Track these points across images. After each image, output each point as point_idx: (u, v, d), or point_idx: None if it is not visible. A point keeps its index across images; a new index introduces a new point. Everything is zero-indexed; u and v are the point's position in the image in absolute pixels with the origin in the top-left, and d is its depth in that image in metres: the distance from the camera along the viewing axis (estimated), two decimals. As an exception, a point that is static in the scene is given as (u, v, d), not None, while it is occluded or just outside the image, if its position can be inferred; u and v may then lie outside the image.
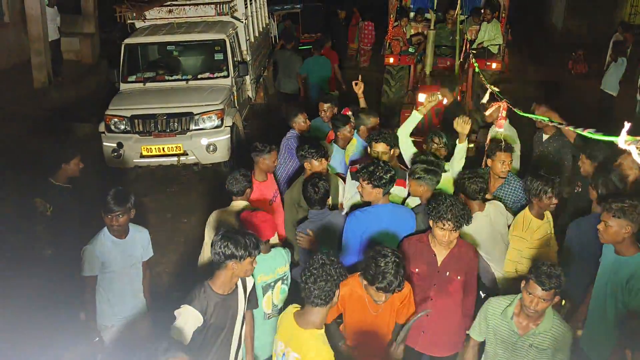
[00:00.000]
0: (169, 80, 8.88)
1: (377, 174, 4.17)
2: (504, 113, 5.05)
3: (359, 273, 3.58)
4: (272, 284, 4.12)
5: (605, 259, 3.94)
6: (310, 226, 4.47)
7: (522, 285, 3.41)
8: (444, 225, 3.77)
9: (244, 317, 3.70)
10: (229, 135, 8.17)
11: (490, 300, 3.68)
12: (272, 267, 4.10)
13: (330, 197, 4.74)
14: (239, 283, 3.62)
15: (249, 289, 3.73)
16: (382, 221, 4.26)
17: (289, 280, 4.25)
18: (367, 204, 4.38)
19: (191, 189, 8.49)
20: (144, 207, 7.56)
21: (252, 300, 3.82)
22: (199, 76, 8.93)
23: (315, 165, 4.93)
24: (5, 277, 5.86)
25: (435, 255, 3.95)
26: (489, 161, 5.08)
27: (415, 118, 5.15)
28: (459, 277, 3.95)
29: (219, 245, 3.37)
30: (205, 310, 3.40)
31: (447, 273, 3.93)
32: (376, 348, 3.80)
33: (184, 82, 8.82)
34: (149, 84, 8.82)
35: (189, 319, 3.38)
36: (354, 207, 4.72)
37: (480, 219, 4.48)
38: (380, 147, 4.92)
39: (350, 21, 15.58)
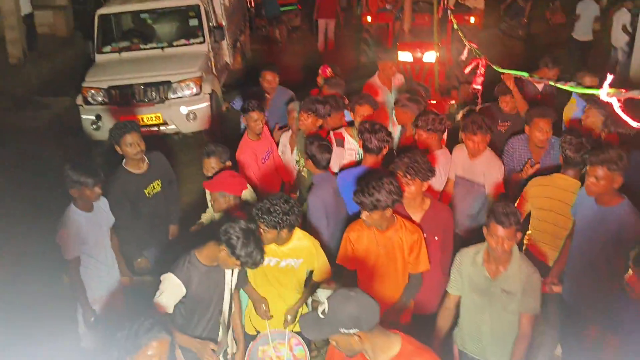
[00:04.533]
0: (144, 49, 8.79)
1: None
2: (482, 70, 5.04)
3: None
4: None
5: (583, 211, 3.94)
6: (324, 191, 4.47)
7: (485, 232, 3.47)
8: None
9: (231, 295, 3.68)
10: (209, 103, 8.11)
11: (459, 252, 3.74)
12: None
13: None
14: None
15: None
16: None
17: None
18: None
19: (173, 159, 8.43)
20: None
21: (241, 279, 3.77)
22: (175, 43, 8.83)
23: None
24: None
25: (410, 218, 3.99)
26: (526, 128, 4.95)
27: None
28: (436, 238, 4.01)
29: (233, 231, 3.28)
30: (189, 280, 3.39)
31: (425, 235, 3.96)
32: (386, 290, 3.91)
33: (159, 50, 8.73)
34: (124, 54, 8.73)
35: (170, 287, 3.39)
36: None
37: None
38: (365, 110, 4.99)
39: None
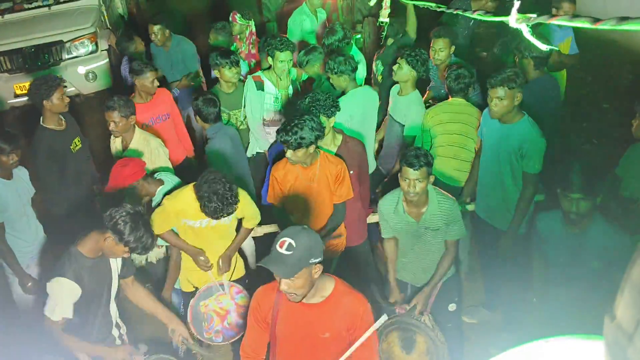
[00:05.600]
0: (29, 9, 8.12)
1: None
2: (387, 2, 5.04)
3: None
4: None
5: (489, 130, 4.12)
6: (220, 141, 4.49)
7: (400, 177, 3.59)
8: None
9: (119, 284, 3.49)
10: (107, 60, 7.69)
11: (380, 202, 3.87)
12: None
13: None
14: None
15: None
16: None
17: None
18: None
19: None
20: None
21: (128, 267, 3.56)
22: (62, -1, 8.24)
23: (226, 74, 4.93)
24: None
25: None
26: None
27: None
28: (352, 172, 4.10)
29: (119, 215, 3.07)
30: (79, 278, 3.16)
31: None
32: (317, 221, 4.03)
33: (46, 9, 8.09)
34: (7, 16, 8.05)
35: (64, 292, 3.13)
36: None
37: None
38: (286, 56, 4.91)
39: None
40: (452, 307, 4.00)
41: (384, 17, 5.21)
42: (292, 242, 2.51)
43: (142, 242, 3.09)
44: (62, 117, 4.68)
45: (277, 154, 4.33)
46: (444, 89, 5.04)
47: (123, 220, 3.05)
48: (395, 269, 3.99)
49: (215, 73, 5.06)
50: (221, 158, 4.44)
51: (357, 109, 4.60)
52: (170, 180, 4.08)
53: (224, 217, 3.67)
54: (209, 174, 3.61)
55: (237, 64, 4.97)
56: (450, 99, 4.61)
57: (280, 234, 2.61)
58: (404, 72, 4.60)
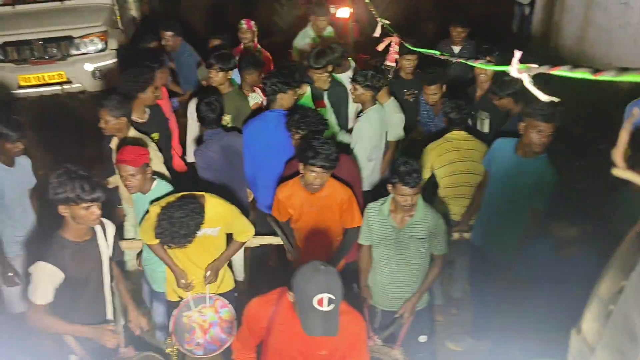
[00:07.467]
0: (41, 1, 8.19)
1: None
2: (396, 48, 5.13)
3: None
4: None
5: (501, 162, 4.05)
6: (209, 148, 4.49)
7: (390, 188, 3.62)
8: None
9: (110, 267, 3.45)
10: (116, 59, 7.73)
11: (367, 206, 3.90)
12: None
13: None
14: (98, 229, 3.32)
15: (109, 236, 3.42)
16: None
17: None
18: None
19: (80, 119, 8.04)
20: (30, 142, 7.14)
21: (116, 250, 3.51)
22: (75, -5, 8.28)
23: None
24: None
25: None
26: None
27: None
28: None
29: (49, 186, 3.02)
30: (63, 263, 3.10)
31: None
32: (322, 247, 4.04)
33: (59, 2, 8.16)
34: (19, 7, 8.12)
35: (44, 276, 3.08)
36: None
37: None
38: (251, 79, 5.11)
39: None
40: (422, 338, 3.99)
41: (391, 62, 5.31)
42: (331, 295, 2.42)
43: (78, 189, 2.98)
44: (147, 109, 4.71)
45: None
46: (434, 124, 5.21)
47: (53, 187, 3.00)
48: (367, 276, 3.96)
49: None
50: (205, 163, 4.44)
51: (374, 127, 4.70)
52: (163, 186, 4.02)
53: (169, 246, 3.63)
54: (185, 198, 3.57)
55: (218, 69, 5.00)
56: (451, 132, 4.58)
57: (302, 287, 2.47)
58: (359, 92, 4.67)
